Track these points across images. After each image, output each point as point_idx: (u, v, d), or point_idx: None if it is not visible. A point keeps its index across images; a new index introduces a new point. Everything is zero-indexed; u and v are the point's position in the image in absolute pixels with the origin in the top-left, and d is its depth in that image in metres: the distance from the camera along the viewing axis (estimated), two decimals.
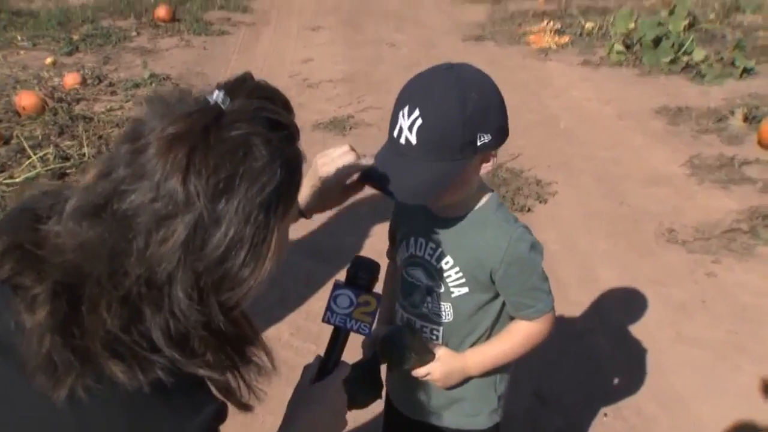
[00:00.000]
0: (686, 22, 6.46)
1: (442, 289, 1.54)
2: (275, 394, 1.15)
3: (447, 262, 1.52)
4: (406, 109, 1.36)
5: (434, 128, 1.34)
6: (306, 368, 1.34)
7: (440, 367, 1.56)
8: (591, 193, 4.12)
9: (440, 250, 1.53)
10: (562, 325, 2.86)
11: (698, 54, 6.03)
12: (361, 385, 1.48)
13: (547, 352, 2.61)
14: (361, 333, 1.32)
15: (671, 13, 6.51)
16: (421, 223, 1.58)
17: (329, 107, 5.52)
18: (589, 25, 7.18)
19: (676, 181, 4.25)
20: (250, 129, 0.92)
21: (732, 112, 5.02)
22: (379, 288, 1.39)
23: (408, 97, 1.37)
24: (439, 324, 1.58)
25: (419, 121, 1.34)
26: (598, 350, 2.90)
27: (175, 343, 0.91)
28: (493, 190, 1.56)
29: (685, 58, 6.06)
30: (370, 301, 1.31)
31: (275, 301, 3.13)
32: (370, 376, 1.53)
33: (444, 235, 1.53)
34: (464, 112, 1.34)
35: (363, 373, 1.50)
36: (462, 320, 1.56)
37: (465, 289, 1.53)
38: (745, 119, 4.92)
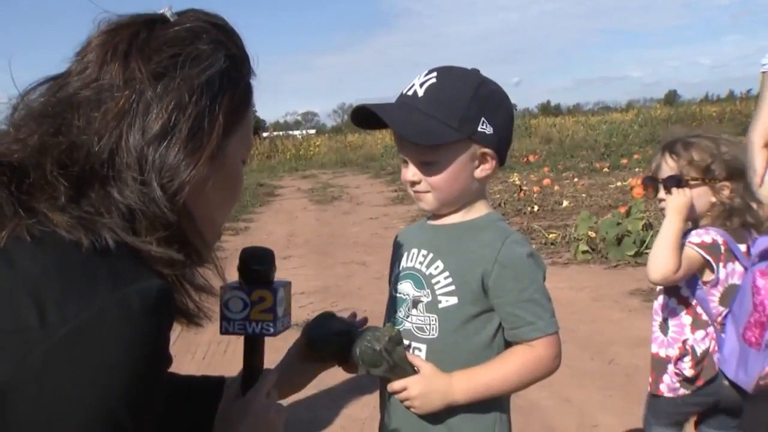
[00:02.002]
0: (643, 222, 6.74)
1: (429, 299, 1.41)
2: None
3: (437, 266, 1.42)
4: (423, 73, 1.39)
5: (444, 89, 1.36)
6: (227, 386, 1.17)
7: (419, 382, 1.36)
8: (577, 357, 3.96)
9: (431, 255, 1.44)
10: None
11: None
12: (326, 336, 1.39)
13: None
14: (265, 334, 1.13)
15: (628, 214, 6.83)
16: (417, 235, 1.51)
17: (302, 312, 5.40)
18: (552, 235, 7.45)
19: None
20: (196, 25, 0.96)
21: None
22: None
23: (430, 68, 1.40)
24: (423, 341, 1.42)
25: (433, 80, 1.37)
26: None
27: (123, 219, 0.86)
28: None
29: (648, 251, 6.22)
30: (264, 296, 1.13)
31: None
32: (337, 339, 1.39)
33: (438, 241, 1.45)
34: (477, 91, 1.38)
35: (333, 333, 1.39)
36: (448, 337, 1.40)
37: (454, 299, 1.39)
38: None
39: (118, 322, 0.76)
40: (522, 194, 10.91)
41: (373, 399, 3.51)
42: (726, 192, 2.06)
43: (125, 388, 0.77)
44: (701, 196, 2.07)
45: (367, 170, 20.09)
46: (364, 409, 3.47)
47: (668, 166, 2.11)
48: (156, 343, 0.81)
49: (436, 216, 1.48)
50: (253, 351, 1.15)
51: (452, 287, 1.39)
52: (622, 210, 7.27)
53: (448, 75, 1.38)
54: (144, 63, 0.89)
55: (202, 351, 4.57)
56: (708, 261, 2.02)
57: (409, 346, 1.41)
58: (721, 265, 2.03)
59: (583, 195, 10.71)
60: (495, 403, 1.42)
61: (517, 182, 11.94)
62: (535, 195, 10.83)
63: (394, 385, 1.37)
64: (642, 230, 6.60)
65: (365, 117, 1.40)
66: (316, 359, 1.42)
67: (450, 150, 1.36)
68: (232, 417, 1.09)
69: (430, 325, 1.41)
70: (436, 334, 1.40)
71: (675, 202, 2.04)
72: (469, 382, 1.37)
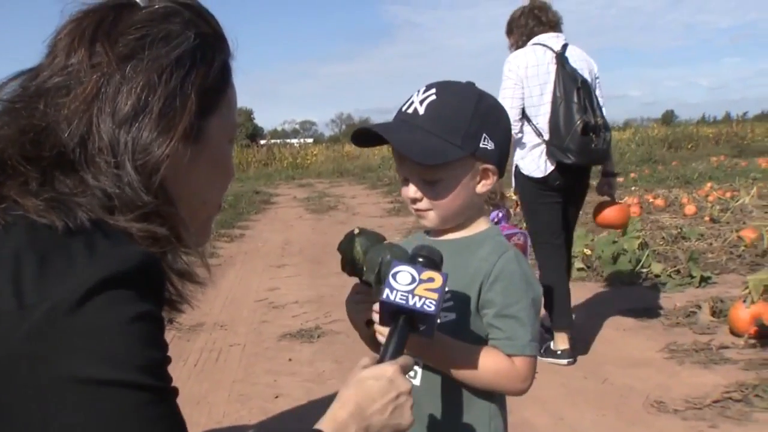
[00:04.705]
0: (639, 241, 6.74)
1: (438, 322, 1.39)
2: None
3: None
4: (422, 89, 1.37)
5: (444, 106, 1.34)
6: (364, 360, 1.15)
7: None
8: (570, 375, 3.95)
9: None
10: None
11: (656, 267, 6.21)
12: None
13: None
14: (426, 311, 1.13)
15: (624, 233, 6.83)
16: None
17: (295, 322, 5.41)
18: None
19: (656, 363, 4.11)
20: (165, 6, 0.95)
21: (699, 307, 5.04)
22: None
23: (428, 84, 1.38)
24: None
25: (433, 97, 1.34)
26: None
27: (99, 201, 0.85)
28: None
29: (644, 271, 6.23)
30: (434, 277, 1.15)
31: None
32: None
33: None
34: (477, 106, 1.36)
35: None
36: None
37: (452, 315, 1.38)
38: (713, 313, 4.93)
39: (99, 290, 0.75)
40: (517, 210, 10.89)
41: None
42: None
43: (117, 350, 0.75)
44: None
45: (363, 181, 20.10)
46: None
47: None
48: (141, 305, 0.79)
49: (436, 232, 1.47)
50: (399, 329, 1.16)
51: (450, 303, 1.38)
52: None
53: (447, 91, 1.36)
54: (111, 46, 0.89)
55: (194, 358, 4.55)
56: None
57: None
58: None
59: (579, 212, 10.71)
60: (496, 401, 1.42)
61: (514, 198, 11.91)
62: None
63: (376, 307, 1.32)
64: (638, 249, 6.60)
65: (365, 136, 1.40)
66: None
67: (453, 168, 1.35)
68: (350, 383, 1.08)
69: None
70: None
71: None
72: (443, 347, 1.34)
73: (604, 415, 3.40)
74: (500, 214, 3.99)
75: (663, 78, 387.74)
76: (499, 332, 1.35)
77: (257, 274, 7.56)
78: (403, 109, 1.36)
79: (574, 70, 4.07)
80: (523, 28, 4.29)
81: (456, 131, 1.32)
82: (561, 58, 4.09)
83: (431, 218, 1.41)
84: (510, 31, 4.43)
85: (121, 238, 0.83)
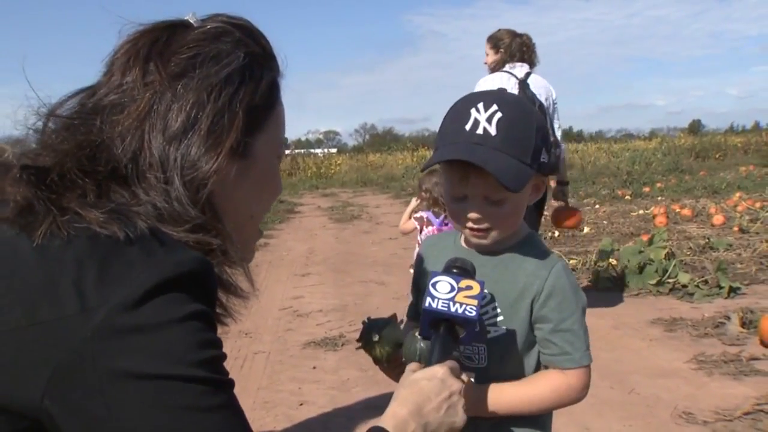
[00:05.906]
0: (666, 251, 6.66)
1: (477, 329, 1.39)
2: None
3: (485, 296, 1.38)
4: (480, 105, 1.30)
5: (513, 123, 1.29)
6: (411, 365, 1.23)
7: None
8: (597, 385, 3.87)
9: None
10: None
11: (683, 277, 6.13)
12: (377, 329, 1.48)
13: None
14: (467, 317, 1.18)
15: (650, 243, 6.75)
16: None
17: (320, 330, 5.42)
18: (572, 261, 7.39)
19: (684, 374, 4.06)
20: (217, 26, 0.99)
21: (728, 318, 4.97)
22: None
23: (479, 96, 1.33)
24: (471, 370, 1.40)
25: (499, 114, 1.29)
26: None
27: (151, 214, 0.89)
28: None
29: (671, 281, 6.15)
30: (472, 285, 1.21)
31: None
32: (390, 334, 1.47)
33: (483, 269, 1.38)
34: (536, 119, 1.35)
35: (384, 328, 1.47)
36: (496, 366, 1.40)
37: (502, 329, 1.38)
38: (742, 324, 4.85)
39: (155, 292, 0.79)
40: (542, 219, 10.83)
41: None
42: (432, 201, 4.97)
43: (172, 346, 0.79)
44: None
45: (387, 190, 20.11)
46: None
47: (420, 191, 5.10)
48: (194, 305, 0.82)
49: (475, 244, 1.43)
50: (441, 335, 1.21)
51: (501, 317, 1.38)
52: (645, 238, 7.20)
53: (508, 105, 1.30)
54: (163, 65, 0.92)
55: None
56: (416, 225, 5.05)
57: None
58: (425, 226, 4.94)
59: (605, 222, 10.63)
60: (539, 425, 1.42)
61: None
62: None
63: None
64: (664, 259, 6.52)
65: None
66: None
67: (529, 182, 1.33)
68: (400, 386, 1.14)
69: (478, 354, 1.40)
70: (485, 364, 1.40)
71: (411, 206, 5.32)
72: (498, 395, 1.36)
73: (630, 426, 3.36)
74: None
75: (689, 87, 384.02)
76: (554, 347, 1.36)
77: (281, 282, 7.59)
78: (467, 128, 1.28)
79: (533, 95, 4.78)
80: (505, 55, 4.97)
81: (527, 150, 1.29)
82: (523, 84, 4.84)
83: (492, 237, 1.38)
84: (496, 47, 5.03)
85: (176, 244, 0.86)
